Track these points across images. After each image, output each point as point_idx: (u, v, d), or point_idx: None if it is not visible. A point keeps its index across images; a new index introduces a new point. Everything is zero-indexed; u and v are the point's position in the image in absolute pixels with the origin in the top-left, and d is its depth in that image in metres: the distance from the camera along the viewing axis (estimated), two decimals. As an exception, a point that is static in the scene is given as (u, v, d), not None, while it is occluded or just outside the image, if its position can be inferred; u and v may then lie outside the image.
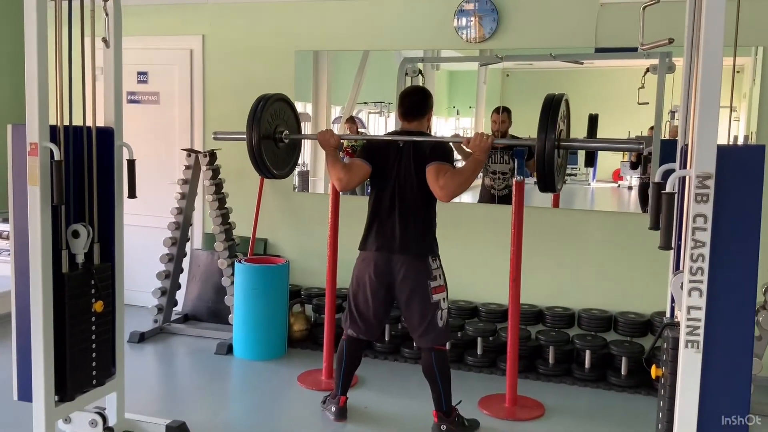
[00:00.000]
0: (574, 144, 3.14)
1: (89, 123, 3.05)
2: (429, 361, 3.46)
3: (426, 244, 3.43)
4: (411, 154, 3.42)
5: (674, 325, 2.35)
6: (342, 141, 3.72)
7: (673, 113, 4.62)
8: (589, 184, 5.46)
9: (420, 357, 4.43)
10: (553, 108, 3.09)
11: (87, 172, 3.06)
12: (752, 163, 2.16)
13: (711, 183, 2.10)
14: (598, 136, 5.29)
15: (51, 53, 2.82)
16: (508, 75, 5.69)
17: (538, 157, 3.04)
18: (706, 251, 2.13)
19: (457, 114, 6.16)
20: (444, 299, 3.44)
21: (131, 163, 3.20)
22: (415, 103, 3.55)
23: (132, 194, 3.22)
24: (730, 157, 2.14)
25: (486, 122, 5.84)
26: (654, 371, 2.44)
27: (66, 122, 2.94)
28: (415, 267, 3.39)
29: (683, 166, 2.38)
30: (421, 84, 5.52)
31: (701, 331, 2.16)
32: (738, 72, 4.41)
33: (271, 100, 3.60)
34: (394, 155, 3.46)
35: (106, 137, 3.16)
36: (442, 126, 6.16)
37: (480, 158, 3.32)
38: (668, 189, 2.17)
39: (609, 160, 5.42)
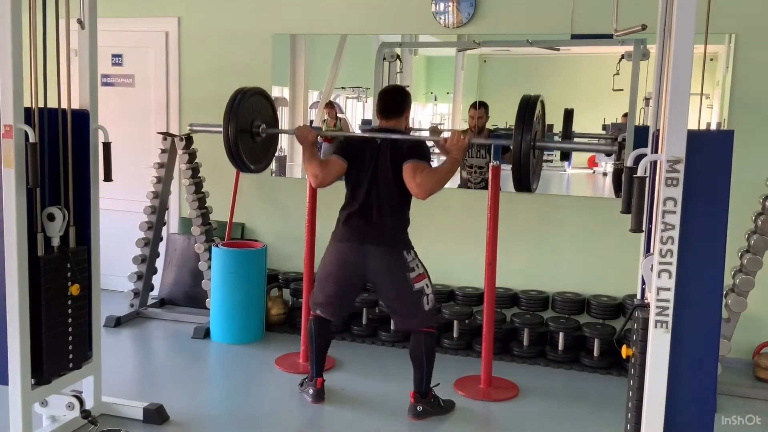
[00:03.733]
0: (549, 144, 3.25)
1: (64, 105, 3.03)
2: (418, 342, 3.50)
3: (400, 239, 3.48)
4: (388, 151, 3.46)
5: (644, 306, 2.40)
6: (319, 135, 3.73)
7: (647, 100, 4.68)
8: (564, 170, 5.53)
9: (397, 340, 4.52)
10: (528, 110, 3.17)
11: (62, 154, 3.04)
12: (722, 148, 2.22)
13: (681, 167, 2.15)
14: (573, 128, 5.37)
15: (25, 35, 2.80)
16: (485, 61, 5.71)
17: (514, 157, 3.13)
18: (675, 234, 2.18)
19: (435, 100, 6.17)
20: (427, 285, 3.48)
21: (107, 146, 3.19)
22: (394, 101, 3.59)
23: (108, 177, 3.22)
24: (700, 142, 2.19)
25: (464, 109, 5.86)
26: (624, 351, 2.50)
27: (41, 104, 2.92)
28: (391, 260, 3.44)
29: (655, 150, 2.43)
30: (399, 69, 5.53)
31: (670, 311, 2.22)
32: (711, 60, 4.49)
33: (248, 93, 3.58)
34: (371, 152, 3.49)
35: (82, 120, 3.14)
36: (420, 112, 6.18)
37: (457, 157, 3.37)
38: (639, 173, 2.22)
39: (584, 147, 5.47)
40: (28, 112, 2.85)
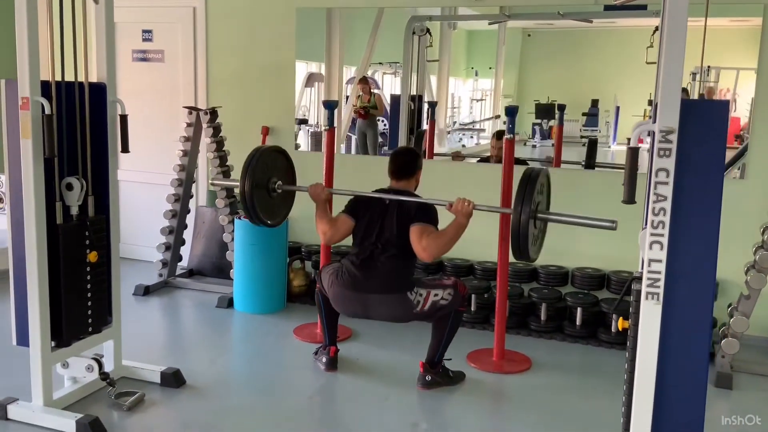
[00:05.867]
0: (550, 217, 3.30)
1: (82, 79, 3.13)
2: (448, 315, 3.56)
3: (403, 282, 3.52)
4: (396, 211, 3.53)
5: (640, 279, 2.39)
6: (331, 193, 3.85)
7: (694, 74, 4.57)
8: (609, 147, 5.45)
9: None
10: (530, 183, 3.20)
11: (80, 126, 3.14)
12: (716, 118, 2.17)
13: (674, 137, 2.12)
14: (618, 104, 5.30)
15: (44, 10, 2.90)
16: (529, 35, 5.64)
17: (513, 228, 3.16)
18: (667, 205, 2.15)
19: (476, 75, 6.12)
20: (437, 293, 3.51)
21: (123, 118, 3.27)
22: (405, 164, 3.67)
23: (125, 149, 3.30)
24: (694, 112, 2.15)
25: (506, 84, 5.79)
26: (620, 323, 2.50)
27: (58, 78, 3.01)
28: (394, 305, 3.50)
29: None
30: (429, 43, 5.50)
31: (661, 283, 2.20)
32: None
33: (266, 152, 3.69)
34: (379, 211, 3.57)
35: (99, 92, 3.23)
36: (461, 87, 6.13)
37: (462, 222, 3.42)
38: (632, 143, 2.20)
39: (631, 123, 5.36)
40: (46, 85, 2.96)
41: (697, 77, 4.59)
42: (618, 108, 5.40)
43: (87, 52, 3.11)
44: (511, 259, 4.01)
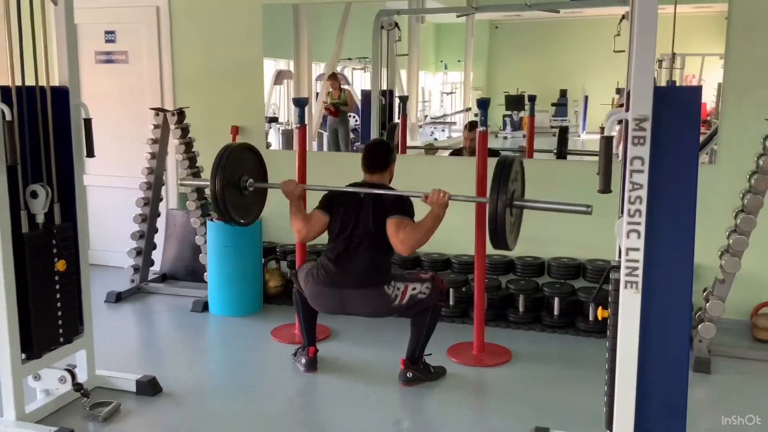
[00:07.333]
0: (526, 204, 3.29)
1: (43, 83, 3.04)
2: (426, 311, 3.55)
3: (380, 276, 3.50)
4: (371, 205, 3.50)
5: (618, 268, 2.38)
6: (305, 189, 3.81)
7: (660, 62, 4.58)
8: (579, 136, 5.47)
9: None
10: (504, 170, 3.17)
11: (43, 132, 3.05)
12: (689, 104, 2.17)
13: (647, 125, 2.12)
14: (587, 93, 5.36)
15: (3, 11, 2.81)
16: (497, 27, 5.64)
17: (490, 217, 3.14)
18: (643, 193, 2.15)
19: (445, 68, 6.10)
20: (415, 287, 3.50)
21: (87, 122, 3.19)
22: (378, 157, 3.65)
23: (90, 153, 3.22)
24: (666, 99, 2.15)
25: (475, 77, 5.79)
26: (600, 313, 2.49)
27: (19, 83, 2.92)
28: (372, 299, 3.48)
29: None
30: (398, 37, 5.47)
31: (640, 272, 2.20)
32: (727, 19, 4.36)
33: (236, 149, 3.62)
34: (354, 205, 3.53)
35: (62, 97, 3.14)
36: (431, 81, 6.11)
37: (438, 213, 3.40)
38: (606, 132, 2.19)
39: (600, 112, 5.38)
40: (6, 90, 2.87)
41: (663, 64, 4.62)
42: (586, 97, 5.43)
43: (47, 55, 3.02)
44: (488, 251, 4.03)
